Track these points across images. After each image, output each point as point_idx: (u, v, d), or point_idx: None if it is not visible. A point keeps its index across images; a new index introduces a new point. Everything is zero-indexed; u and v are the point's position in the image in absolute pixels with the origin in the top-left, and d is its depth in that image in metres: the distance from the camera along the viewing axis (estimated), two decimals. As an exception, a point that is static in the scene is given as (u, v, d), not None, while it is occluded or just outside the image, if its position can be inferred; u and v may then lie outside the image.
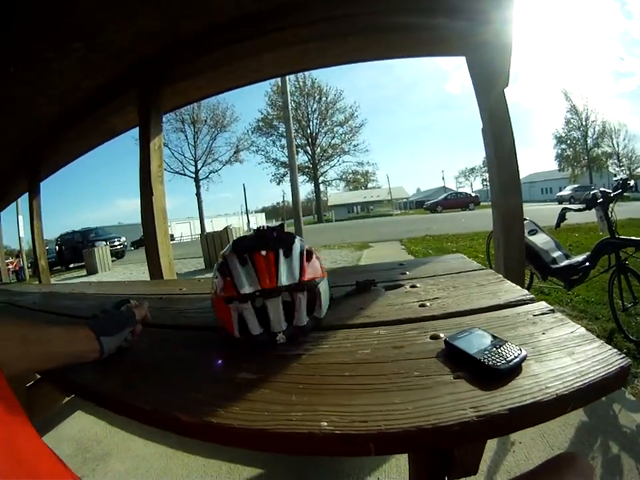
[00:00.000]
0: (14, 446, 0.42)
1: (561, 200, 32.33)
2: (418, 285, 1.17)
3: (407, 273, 1.37)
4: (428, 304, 0.99)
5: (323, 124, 51.81)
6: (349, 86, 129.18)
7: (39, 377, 2.46)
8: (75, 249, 20.96)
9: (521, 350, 0.63)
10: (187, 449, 2.07)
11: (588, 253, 3.32)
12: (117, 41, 3.28)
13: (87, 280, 11.01)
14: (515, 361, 0.60)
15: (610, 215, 3.07)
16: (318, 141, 51.98)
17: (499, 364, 0.60)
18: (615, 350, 0.62)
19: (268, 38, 3.26)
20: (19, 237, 16.88)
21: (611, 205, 3.09)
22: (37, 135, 5.33)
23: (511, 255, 2.76)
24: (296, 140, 11.10)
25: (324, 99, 50.87)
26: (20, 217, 15.06)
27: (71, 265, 21.39)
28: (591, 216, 3.37)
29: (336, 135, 52.74)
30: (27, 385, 2.27)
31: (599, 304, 3.67)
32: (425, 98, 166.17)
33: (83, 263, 15.58)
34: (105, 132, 5.14)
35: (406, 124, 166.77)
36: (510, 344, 0.65)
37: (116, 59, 3.55)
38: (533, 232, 3.71)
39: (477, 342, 0.67)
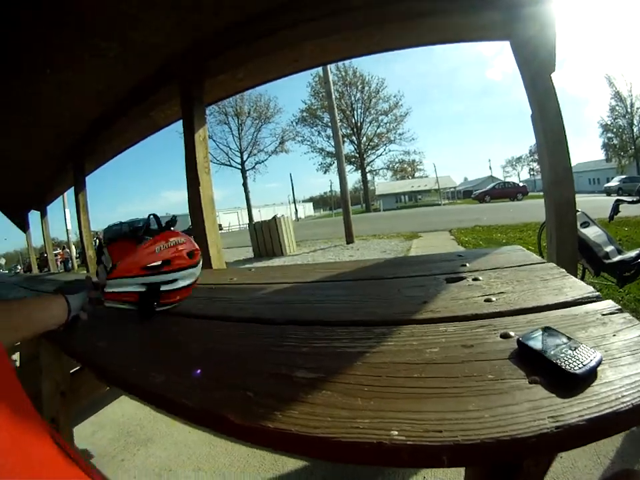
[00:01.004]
0: (24, 448, 0.40)
1: (609, 191, 31.36)
2: (480, 278, 1.11)
3: (467, 265, 1.30)
4: (493, 299, 0.93)
5: (367, 113, 52.25)
6: (389, 74, 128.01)
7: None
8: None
9: (595, 353, 0.58)
10: (230, 437, 2.07)
11: (641, 249, 3.18)
12: (151, 38, 3.35)
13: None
14: (591, 365, 0.55)
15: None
16: (363, 130, 52.36)
17: (576, 368, 0.55)
18: None
19: (307, 27, 3.24)
20: (67, 229, 17.61)
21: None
22: (79, 132, 5.50)
23: (563, 247, 2.67)
24: (341, 129, 11.11)
25: (366, 88, 51.26)
26: (67, 210, 15.65)
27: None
28: (640, 209, 3.24)
29: (381, 124, 53.15)
30: (71, 371, 2.32)
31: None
32: (466, 85, 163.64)
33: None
34: (147, 126, 5.24)
35: (449, 112, 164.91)
36: (585, 346, 0.60)
37: (152, 55, 3.63)
38: (585, 224, 3.56)
39: (551, 343, 0.62)
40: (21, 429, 0.42)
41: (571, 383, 0.53)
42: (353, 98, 51.33)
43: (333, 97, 12.16)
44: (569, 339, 0.63)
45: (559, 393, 0.52)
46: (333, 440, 0.49)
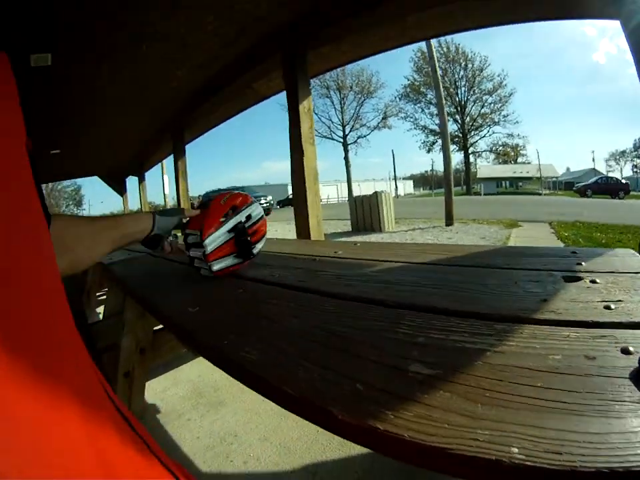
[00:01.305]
0: (100, 447, 0.36)
1: None
2: (598, 281, 1.03)
3: (583, 264, 1.22)
4: (612, 306, 0.85)
5: (471, 92, 51.17)
6: (491, 53, 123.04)
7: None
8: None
9: None
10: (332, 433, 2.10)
11: None
12: (251, 11, 3.43)
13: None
14: None
15: None
16: (467, 109, 51.23)
17: None
18: None
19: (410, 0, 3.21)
20: (164, 194, 18.46)
21: None
22: (180, 102, 5.71)
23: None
24: (445, 108, 10.81)
25: (470, 65, 49.74)
26: (165, 177, 16.39)
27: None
28: None
29: (485, 104, 51.87)
30: (155, 328, 2.41)
31: None
32: (570, 68, 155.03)
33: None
34: (249, 97, 5.41)
35: (551, 96, 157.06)
36: None
37: (253, 27, 3.73)
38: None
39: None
40: (95, 419, 0.38)
41: None
42: (456, 75, 50.44)
43: (438, 73, 11.85)
44: None
45: None
46: (449, 452, 0.45)
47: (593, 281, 1.05)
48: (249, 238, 1.43)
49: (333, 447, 1.85)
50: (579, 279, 1.07)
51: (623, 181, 41.79)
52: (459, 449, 0.45)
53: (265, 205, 24.56)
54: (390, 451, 0.50)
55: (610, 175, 55.98)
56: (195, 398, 2.47)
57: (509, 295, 0.98)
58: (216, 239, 1.35)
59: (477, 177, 65.14)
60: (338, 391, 0.59)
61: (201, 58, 4.31)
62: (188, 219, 1.41)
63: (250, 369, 0.69)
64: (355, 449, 1.83)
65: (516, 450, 0.44)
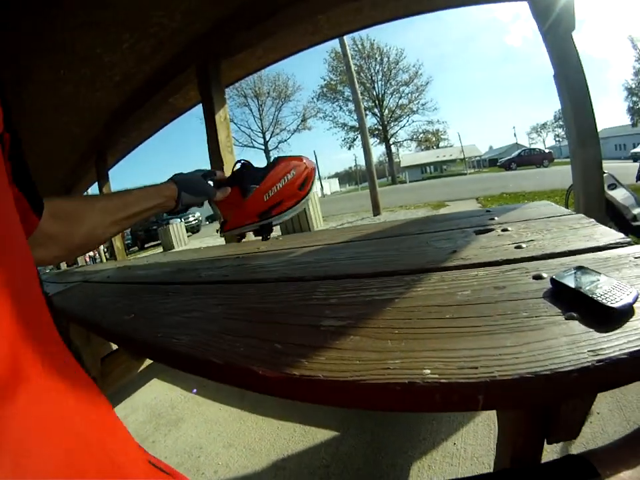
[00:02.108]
0: (106, 447, 0.37)
1: (636, 157, 30.54)
2: (510, 229, 1.09)
3: (496, 218, 1.29)
4: (524, 246, 0.91)
5: (388, 85, 52.18)
6: (405, 45, 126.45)
7: (114, 347, 2.58)
8: (149, 229, 21.94)
9: (631, 288, 0.55)
10: (260, 411, 2.10)
11: (671, 211, 3.12)
12: (166, 25, 3.38)
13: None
14: (628, 300, 0.52)
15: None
16: (385, 102, 52.24)
17: (613, 302, 0.52)
18: None
19: (320, -1, 3.23)
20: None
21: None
22: (100, 125, 5.58)
23: (591, 209, 2.63)
24: (362, 103, 10.92)
25: (385, 59, 51.03)
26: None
27: (146, 245, 22.33)
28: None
29: (402, 95, 53.02)
30: (101, 357, 2.37)
31: None
32: (485, 52, 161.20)
33: (159, 242, 16.20)
34: (167, 113, 5.38)
35: (469, 80, 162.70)
36: (620, 282, 0.57)
37: (168, 41, 3.67)
38: (612, 186, 3.50)
39: (585, 280, 0.59)
40: (100, 425, 0.40)
41: (609, 318, 0.51)
42: (372, 70, 51.35)
43: (353, 69, 12.05)
44: (603, 276, 0.60)
45: (597, 327, 0.50)
46: (362, 383, 0.47)
47: (505, 230, 1.11)
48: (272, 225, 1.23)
49: (295, 440, 1.86)
50: (491, 230, 1.13)
51: (546, 151, 43.28)
52: (371, 379, 0.47)
53: (193, 222, 24.32)
54: (308, 394, 0.53)
55: (533, 146, 58.35)
56: (155, 420, 2.43)
57: (420, 253, 1.05)
58: (237, 231, 1.21)
59: (401, 166, 66.35)
60: (259, 353, 0.61)
61: (118, 77, 4.22)
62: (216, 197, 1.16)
63: (180, 351, 0.72)
64: (318, 437, 1.84)
65: (428, 371, 0.46)
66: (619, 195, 3.40)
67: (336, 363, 0.52)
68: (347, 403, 0.50)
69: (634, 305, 0.53)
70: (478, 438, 1.58)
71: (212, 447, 1.98)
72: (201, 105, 3.92)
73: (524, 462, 0.66)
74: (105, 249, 18.71)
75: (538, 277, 0.69)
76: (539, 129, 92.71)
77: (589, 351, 0.45)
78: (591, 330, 0.49)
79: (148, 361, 2.58)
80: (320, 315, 0.70)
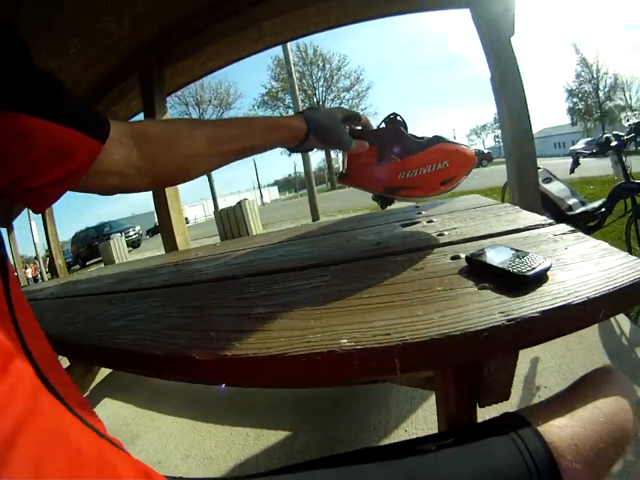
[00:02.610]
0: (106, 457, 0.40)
1: (573, 154, 32.01)
2: (435, 220, 1.16)
3: (423, 212, 1.37)
4: (446, 233, 0.97)
5: (329, 91, 51.85)
6: (349, 52, 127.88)
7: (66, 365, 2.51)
8: (91, 245, 21.34)
9: (545, 259, 0.59)
10: (213, 419, 2.10)
11: (604, 200, 3.27)
12: (114, 30, 3.30)
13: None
14: (540, 268, 0.57)
15: (624, 159, 3.01)
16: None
17: (524, 271, 0.56)
18: None
19: (266, 5, 3.26)
20: (34, 243, 16.99)
21: (625, 150, 3.04)
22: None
23: (526, 203, 2.73)
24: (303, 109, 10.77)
25: (328, 65, 50.86)
26: (33, 223, 15.18)
27: (88, 263, 21.69)
28: (606, 169, 3.32)
29: (343, 101, 52.55)
30: None
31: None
32: (428, 58, 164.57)
33: (100, 258, 15.78)
34: None
35: (412, 85, 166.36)
36: (533, 254, 0.62)
37: (114, 47, 3.59)
38: (547, 180, 3.66)
39: (499, 255, 0.64)
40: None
41: (520, 285, 0.55)
42: (314, 77, 51.10)
43: (294, 76, 12.10)
44: (517, 250, 0.65)
45: (509, 294, 0.54)
46: (286, 355, 0.51)
47: (430, 221, 1.17)
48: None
49: (250, 444, 1.85)
50: (416, 222, 1.20)
51: (486, 151, 44.45)
52: (294, 351, 0.51)
53: (134, 236, 23.82)
54: (240, 372, 0.56)
55: (473, 148, 59.71)
56: None
57: (348, 247, 1.12)
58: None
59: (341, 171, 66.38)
60: (197, 342, 0.64)
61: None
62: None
63: (125, 349, 0.72)
64: (271, 439, 1.84)
65: (345, 340, 0.50)
66: (554, 188, 3.55)
67: (264, 342, 0.56)
68: (275, 377, 0.54)
69: (548, 273, 0.58)
70: (428, 422, 1.63)
71: (170, 460, 1.96)
72: (142, 113, 3.90)
73: (461, 426, 0.69)
74: (47, 269, 18.06)
75: (455, 257, 0.75)
76: (478, 131, 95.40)
77: (499, 313, 0.49)
78: (502, 296, 0.54)
79: (98, 378, 2.51)
80: (251, 306, 0.74)
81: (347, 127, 0.97)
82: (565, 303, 0.49)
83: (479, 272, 0.64)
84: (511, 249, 0.66)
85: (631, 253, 2.07)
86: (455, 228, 1.00)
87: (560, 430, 0.50)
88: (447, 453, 0.51)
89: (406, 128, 1.00)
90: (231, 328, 0.65)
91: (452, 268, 0.69)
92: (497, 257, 0.63)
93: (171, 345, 0.66)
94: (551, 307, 0.48)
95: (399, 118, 1.02)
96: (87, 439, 0.40)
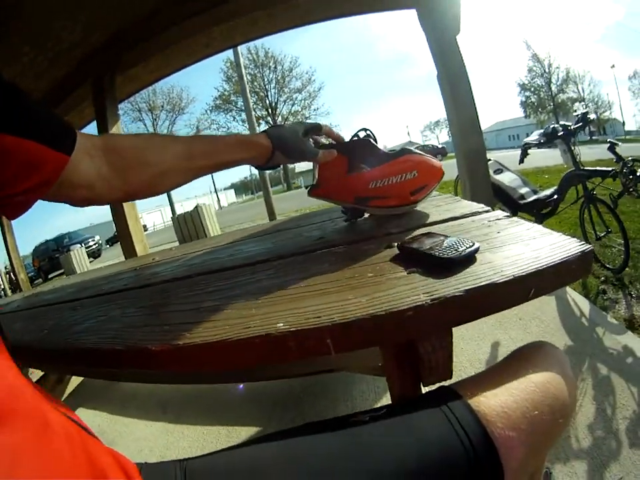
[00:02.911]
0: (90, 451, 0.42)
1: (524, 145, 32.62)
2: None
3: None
4: (385, 225, 1.02)
5: (281, 92, 51.35)
6: (300, 53, 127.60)
7: (34, 380, 2.49)
8: (52, 257, 20.82)
9: (473, 243, 0.64)
10: (185, 420, 2.13)
11: (555, 187, 3.39)
12: (65, 38, 3.26)
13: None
14: (467, 251, 0.61)
15: (573, 148, 3.12)
16: (278, 109, 51.54)
17: (450, 254, 0.61)
18: (575, 239, 0.62)
19: (215, 11, 3.29)
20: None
21: (573, 139, 3.15)
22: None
23: (478, 194, 2.82)
24: (256, 112, 10.61)
25: (279, 67, 50.40)
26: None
27: (50, 276, 21.14)
28: (560, 158, 3.43)
29: (295, 102, 52.28)
30: None
31: (573, 237, 3.72)
32: (378, 57, 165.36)
33: (62, 271, 15.41)
34: None
35: (364, 84, 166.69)
36: (462, 238, 0.66)
37: (66, 55, 3.54)
38: (498, 171, 3.76)
39: (428, 242, 0.69)
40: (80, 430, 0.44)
41: (447, 268, 0.59)
42: (266, 79, 50.47)
43: (245, 79, 12.01)
44: (445, 236, 0.70)
45: (435, 276, 0.58)
46: (229, 340, 0.56)
47: (372, 215, 1.22)
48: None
49: (222, 441, 1.89)
50: (360, 217, 1.24)
51: (439, 146, 45.25)
52: (236, 337, 0.56)
53: (94, 246, 23.50)
54: (192, 359, 0.61)
55: (427, 143, 60.39)
56: None
57: (292, 243, 1.18)
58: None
59: (296, 171, 66.73)
60: (153, 335, 0.68)
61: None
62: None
63: (89, 347, 0.75)
64: (242, 435, 1.89)
65: (281, 324, 0.56)
66: (506, 179, 3.65)
67: (210, 330, 0.61)
68: (223, 361, 0.59)
69: (476, 255, 0.63)
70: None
71: (146, 464, 1.97)
72: (94, 122, 3.87)
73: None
74: (9, 284, 17.47)
75: (389, 247, 0.80)
76: (432, 127, 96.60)
77: (424, 294, 0.53)
78: (429, 278, 0.58)
79: (70, 388, 2.50)
80: (200, 301, 0.79)
81: (311, 139, 1.01)
82: (489, 281, 0.53)
83: (410, 258, 0.69)
84: (441, 235, 0.71)
85: (586, 237, 2.18)
86: (394, 219, 1.06)
87: (487, 399, 0.53)
88: (380, 424, 0.55)
89: (376, 141, 1.06)
90: (182, 321, 0.70)
91: (385, 256, 0.75)
92: (425, 243, 0.68)
93: (130, 340, 0.69)
94: (474, 285, 0.53)
95: (368, 132, 1.10)
96: (60, 420, 0.42)
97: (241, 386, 2.29)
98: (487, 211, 0.94)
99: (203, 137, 0.87)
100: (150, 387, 2.53)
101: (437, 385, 0.62)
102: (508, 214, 0.86)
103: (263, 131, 0.93)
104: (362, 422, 0.55)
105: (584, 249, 0.57)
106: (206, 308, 0.73)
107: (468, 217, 0.93)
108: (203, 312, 0.71)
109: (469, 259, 0.61)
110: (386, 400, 1.76)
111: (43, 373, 2.20)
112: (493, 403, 0.53)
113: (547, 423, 0.53)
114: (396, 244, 0.77)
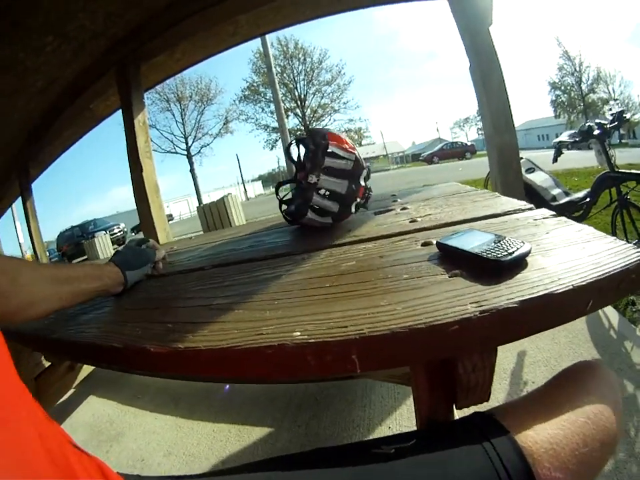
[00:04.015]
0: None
1: (556, 146, 32.26)
2: (409, 207, 1.14)
3: (398, 200, 1.34)
4: (419, 219, 0.94)
5: (310, 85, 51.40)
6: (330, 44, 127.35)
7: (46, 365, 2.49)
8: (77, 244, 21.21)
9: (524, 243, 0.55)
10: (196, 417, 2.08)
11: (588, 190, 3.25)
12: (89, 27, 3.23)
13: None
14: (518, 252, 0.53)
15: (608, 149, 2.98)
16: (307, 102, 51.72)
17: (500, 256, 0.52)
18: (631, 245, 0.53)
19: (240, -1, 3.19)
20: (19, 243, 16.73)
21: (608, 139, 3.02)
22: (23, 135, 5.32)
23: (509, 193, 2.71)
24: (284, 103, 10.82)
25: (309, 59, 50.48)
26: (18, 223, 14.94)
27: (74, 261, 21.54)
28: (590, 160, 3.30)
29: (325, 95, 52.16)
30: (34, 376, 2.28)
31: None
32: (408, 49, 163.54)
33: (86, 257, 15.65)
34: (88, 119, 5.18)
35: (393, 77, 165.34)
36: (511, 238, 0.58)
37: (90, 44, 3.52)
38: (530, 170, 3.63)
39: (473, 240, 0.60)
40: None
41: (496, 271, 0.51)
42: (295, 71, 50.56)
43: (274, 70, 12.06)
44: (493, 235, 0.61)
45: (484, 282, 0.50)
46: (237, 348, 0.48)
47: (404, 208, 1.15)
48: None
49: (232, 441, 1.84)
50: (390, 210, 1.18)
51: (469, 143, 44.30)
52: (245, 344, 0.48)
53: (118, 234, 23.40)
54: (192, 365, 0.54)
55: (456, 140, 60.03)
56: (96, 437, 2.34)
57: (318, 235, 1.10)
58: None
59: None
60: (154, 333, 0.62)
61: (41, 82, 4.01)
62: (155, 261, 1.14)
63: (91, 341, 0.71)
64: (253, 436, 1.83)
65: (298, 333, 0.47)
66: (538, 178, 3.53)
67: (217, 334, 0.54)
68: (227, 371, 0.51)
69: (527, 259, 0.54)
70: (412, 419, 1.59)
71: (153, 457, 1.94)
72: (120, 111, 3.82)
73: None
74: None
75: (427, 244, 0.71)
76: (461, 124, 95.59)
77: (471, 303, 0.44)
78: (476, 284, 0.49)
79: (82, 375, 2.50)
80: (212, 297, 0.72)
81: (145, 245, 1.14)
82: (547, 291, 0.44)
83: (451, 258, 0.61)
84: (486, 232, 0.63)
85: (617, 244, 2.04)
86: (429, 214, 0.98)
87: (536, 433, 0.45)
88: (408, 462, 0.46)
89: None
90: (188, 319, 0.64)
91: (422, 255, 0.66)
92: (470, 241, 0.60)
93: (130, 337, 0.64)
94: (531, 296, 0.44)
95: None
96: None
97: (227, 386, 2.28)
98: (530, 209, 0.86)
99: (58, 263, 0.89)
100: (162, 379, 2.50)
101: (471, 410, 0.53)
102: (554, 213, 0.78)
103: (110, 260, 0.99)
104: (385, 456, 0.46)
105: (643, 257, 0.48)
106: (217, 306, 0.66)
107: (511, 214, 0.84)
108: (213, 310, 0.65)
109: (519, 263, 0.53)
110: (407, 409, 1.69)
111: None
112: (541, 437, 0.44)
113: (595, 460, 0.46)
114: (434, 241, 0.69)
